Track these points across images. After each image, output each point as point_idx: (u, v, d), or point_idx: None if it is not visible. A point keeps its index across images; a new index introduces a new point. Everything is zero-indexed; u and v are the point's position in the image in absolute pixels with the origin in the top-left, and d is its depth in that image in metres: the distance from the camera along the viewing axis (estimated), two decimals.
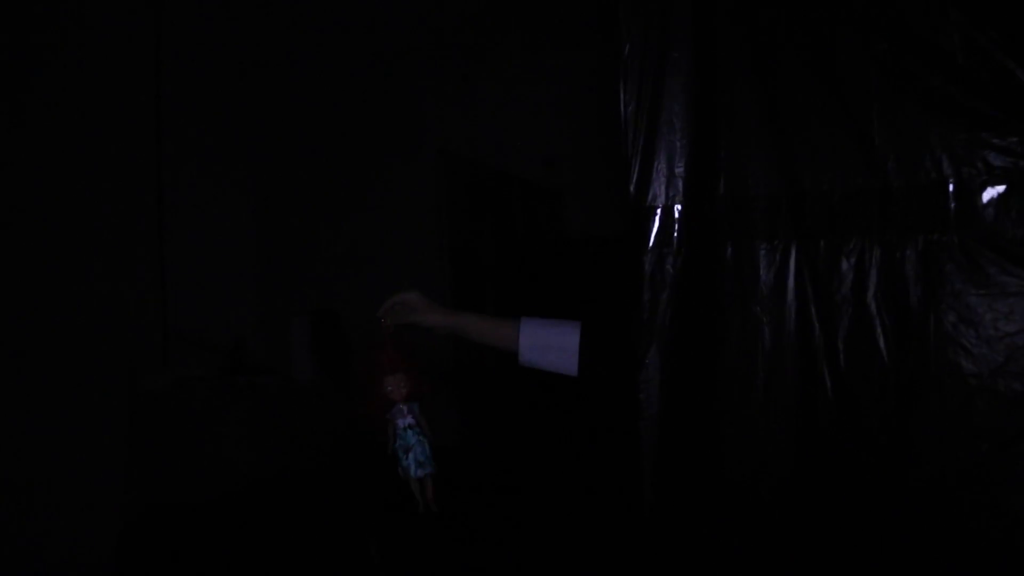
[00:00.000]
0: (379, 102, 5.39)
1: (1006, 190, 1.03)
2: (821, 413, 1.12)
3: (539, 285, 5.43)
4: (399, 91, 5.42)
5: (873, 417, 1.08)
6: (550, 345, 1.82)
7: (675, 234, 1.24)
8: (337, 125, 5.27)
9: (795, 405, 1.14)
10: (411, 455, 1.77)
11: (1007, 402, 1.02)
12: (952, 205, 1.05)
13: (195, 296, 4.85)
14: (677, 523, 1.25)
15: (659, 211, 1.24)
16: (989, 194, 1.04)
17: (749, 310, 1.17)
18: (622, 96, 1.26)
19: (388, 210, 5.01)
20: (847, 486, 1.11)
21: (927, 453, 1.06)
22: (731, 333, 1.18)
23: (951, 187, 1.05)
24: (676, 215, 1.23)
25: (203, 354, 4.76)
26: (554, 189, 6.30)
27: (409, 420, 1.79)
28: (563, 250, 5.94)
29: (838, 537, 1.13)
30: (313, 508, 4.16)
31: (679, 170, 1.23)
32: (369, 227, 5.04)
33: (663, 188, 1.24)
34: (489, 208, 5.40)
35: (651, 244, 1.25)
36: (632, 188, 1.26)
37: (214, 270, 4.98)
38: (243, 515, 4.01)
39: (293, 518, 4.05)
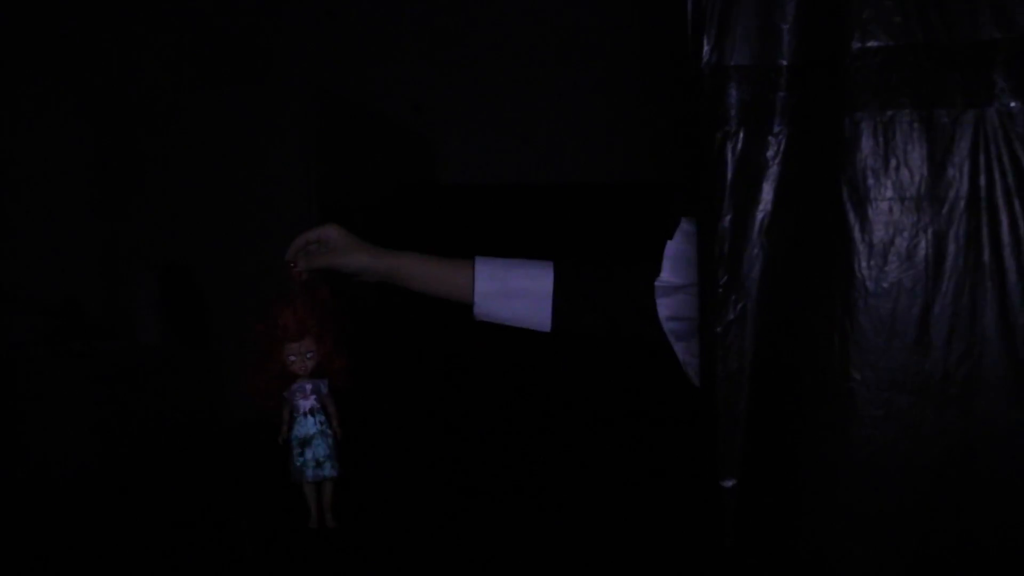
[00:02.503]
0: (236, 31, 4.77)
1: None
2: None
3: (418, 234, 4.97)
4: (257, 20, 4.81)
5: None
6: (515, 290, 1.41)
7: (776, 107, 0.85)
8: (190, 50, 4.61)
9: (979, 365, 0.78)
10: (309, 451, 1.34)
11: None
12: None
13: (15, 246, 4.14)
14: (770, 551, 0.88)
15: (750, 74, 0.85)
16: None
17: (899, 216, 0.79)
18: None
19: (247, 150, 4.42)
20: None
21: None
22: (869, 253, 0.80)
23: None
24: (779, 79, 0.84)
25: (28, 316, 4.07)
26: (424, 135, 5.86)
27: (312, 402, 1.36)
28: (445, 198, 5.51)
29: None
30: (173, 499, 3.60)
31: (781, 17, 0.84)
32: (225, 169, 4.44)
33: (756, 43, 0.85)
34: (359, 150, 4.88)
35: (733, 124, 0.86)
36: (706, 45, 0.86)
37: (40, 215, 4.27)
38: (82, 511, 3.42)
39: (147, 514, 3.48)
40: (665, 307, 1.34)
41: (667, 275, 1.34)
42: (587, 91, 5.84)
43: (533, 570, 3.23)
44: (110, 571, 2.98)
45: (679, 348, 1.35)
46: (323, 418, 1.36)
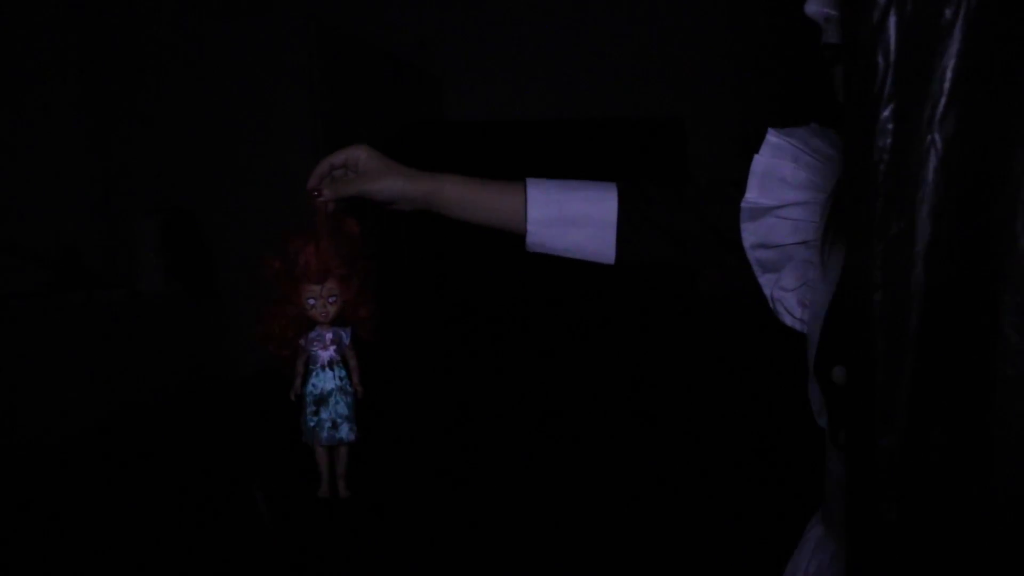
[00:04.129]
0: None
1: None
2: None
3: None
4: None
5: None
6: (574, 216, 1.22)
7: None
8: None
9: None
10: (325, 410, 1.17)
11: None
12: None
13: (10, 195, 3.94)
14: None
15: None
16: None
17: None
18: None
19: (250, 88, 4.20)
20: None
21: None
22: None
23: None
24: None
25: (26, 266, 3.89)
26: (431, 72, 5.62)
27: (332, 354, 1.18)
28: (453, 135, 5.28)
29: None
30: (181, 449, 3.45)
31: None
32: (226, 108, 4.22)
33: None
34: (365, 87, 4.65)
35: None
36: None
37: (35, 162, 4.06)
38: (83, 467, 3.27)
39: (155, 462, 3.34)
40: (752, 233, 1.15)
41: (755, 195, 1.15)
42: (596, 24, 5.59)
43: (562, 548, 3.01)
44: (108, 529, 2.84)
45: (766, 280, 1.17)
46: (343, 373, 1.18)
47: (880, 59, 0.66)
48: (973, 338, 0.66)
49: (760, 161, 1.15)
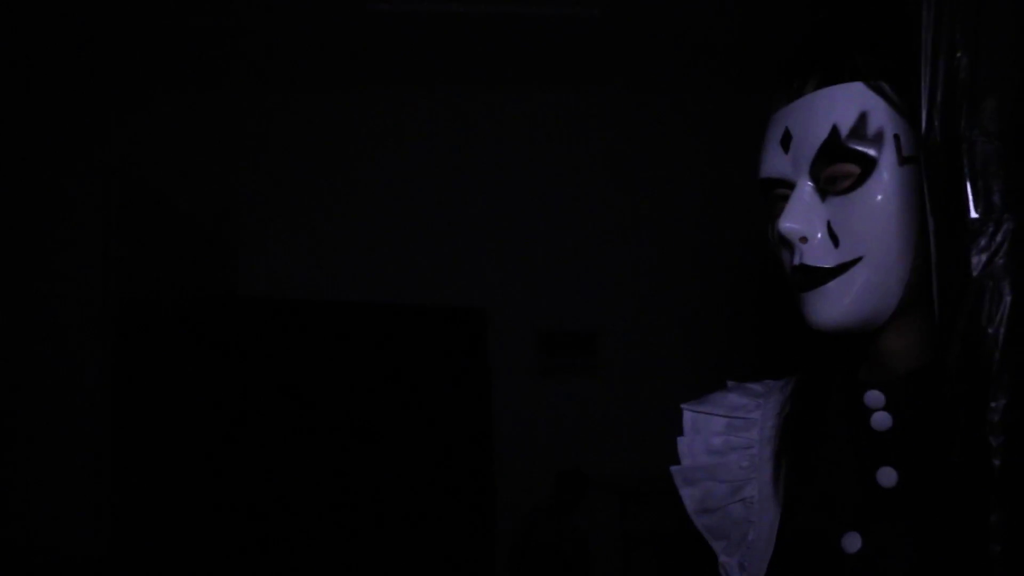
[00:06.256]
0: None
1: None
2: None
3: (218, 348, 4.41)
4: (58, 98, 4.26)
5: None
6: None
7: None
8: None
9: None
10: None
11: None
12: None
13: None
14: None
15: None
16: None
17: None
18: None
19: (33, 248, 3.81)
20: None
21: None
22: None
23: None
24: None
25: None
26: (230, 242, 5.39)
27: None
28: (246, 310, 4.99)
29: None
30: None
31: None
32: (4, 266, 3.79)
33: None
34: (167, 255, 4.36)
35: (998, 213, 0.63)
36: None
37: None
38: None
39: None
40: (691, 499, 1.11)
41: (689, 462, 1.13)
42: (400, 212, 5.66)
43: None
44: None
45: (718, 547, 1.11)
46: None
47: (1005, 289, 0.61)
48: None
49: (684, 442, 1.14)
